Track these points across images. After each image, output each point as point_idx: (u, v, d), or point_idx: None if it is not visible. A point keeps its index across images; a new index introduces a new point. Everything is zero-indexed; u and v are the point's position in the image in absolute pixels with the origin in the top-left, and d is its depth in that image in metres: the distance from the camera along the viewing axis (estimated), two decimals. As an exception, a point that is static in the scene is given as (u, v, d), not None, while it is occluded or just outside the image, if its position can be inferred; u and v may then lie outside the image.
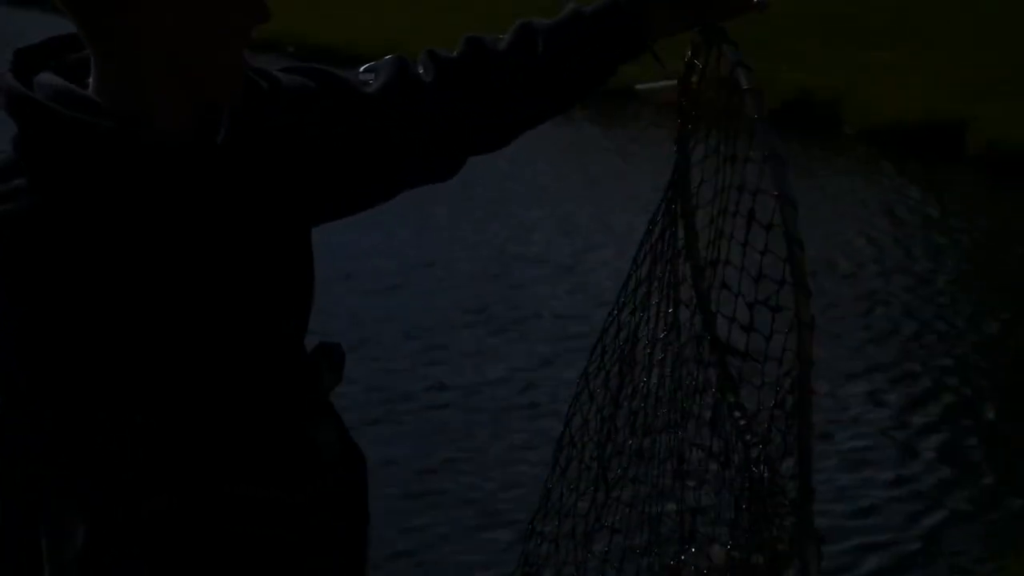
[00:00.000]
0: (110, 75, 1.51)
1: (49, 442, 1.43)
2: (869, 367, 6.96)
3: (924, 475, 5.84)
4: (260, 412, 1.57)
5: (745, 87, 1.72)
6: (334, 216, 1.77)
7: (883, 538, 5.29)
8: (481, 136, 1.85)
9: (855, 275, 8.45)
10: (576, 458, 1.97)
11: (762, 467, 1.84)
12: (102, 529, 1.45)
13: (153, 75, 1.50)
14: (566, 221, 9.70)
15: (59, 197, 1.46)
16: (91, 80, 1.53)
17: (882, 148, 11.65)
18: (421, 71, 1.80)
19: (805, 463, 1.71)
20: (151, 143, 1.49)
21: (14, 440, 1.44)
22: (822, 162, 11.11)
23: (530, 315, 7.68)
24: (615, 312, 1.99)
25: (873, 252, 9.03)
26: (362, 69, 1.81)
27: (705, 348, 1.98)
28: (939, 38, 14.14)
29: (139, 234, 1.48)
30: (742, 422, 1.92)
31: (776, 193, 1.64)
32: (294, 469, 1.59)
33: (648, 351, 2.00)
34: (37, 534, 1.43)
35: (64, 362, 1.45)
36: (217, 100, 1.56)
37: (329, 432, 1.67)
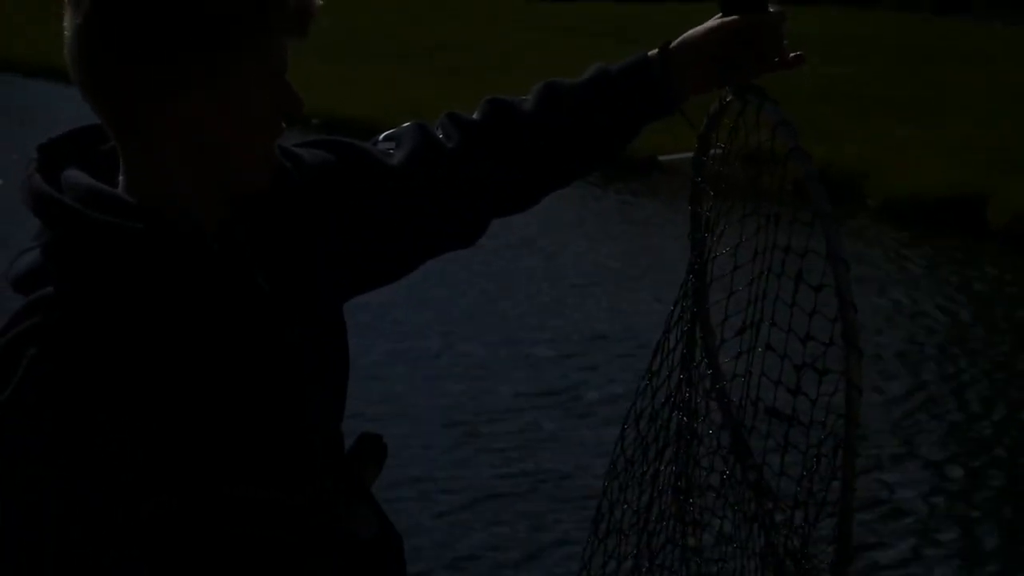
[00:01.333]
0: (141, 170, 1.50)
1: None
2: (912, 449, 6.82)
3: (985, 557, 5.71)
4: (305, 502, 1.56)
5: (792, 145, 1.69)
6: (364, 289, 1.76)
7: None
8: (506, 198, 1.84)
9: (887, 351, 8.32)
10: (615, 528, 1.92)
11: (788, 534, 1.80)
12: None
13: (186, 169, 1.49)
14: (632, 299, 9.46)
15: (91, 305, 1.44)
16: (120, 176, 1.51)
17: (905, 222, 11.62)
18: (442, 136, 1.79)
19: (846, 525, 1.67)
20: (184, 242, 1.47)
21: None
22: (845, 235, 11.04)
23: (608, 396, 7.37)
24: (648, 377, 1.96)
25: (903, 326, 8.95)
26: (382, 137, 1.81)
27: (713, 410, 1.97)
28: (961, 112, 14.17)
29: (174, 335, 1.46)
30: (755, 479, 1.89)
31: (828, 253, 1.60)
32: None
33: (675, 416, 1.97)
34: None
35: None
36: (249, 191, 1.55)
37: (366, 518, 1.66)
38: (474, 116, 1.82)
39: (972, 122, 13.71)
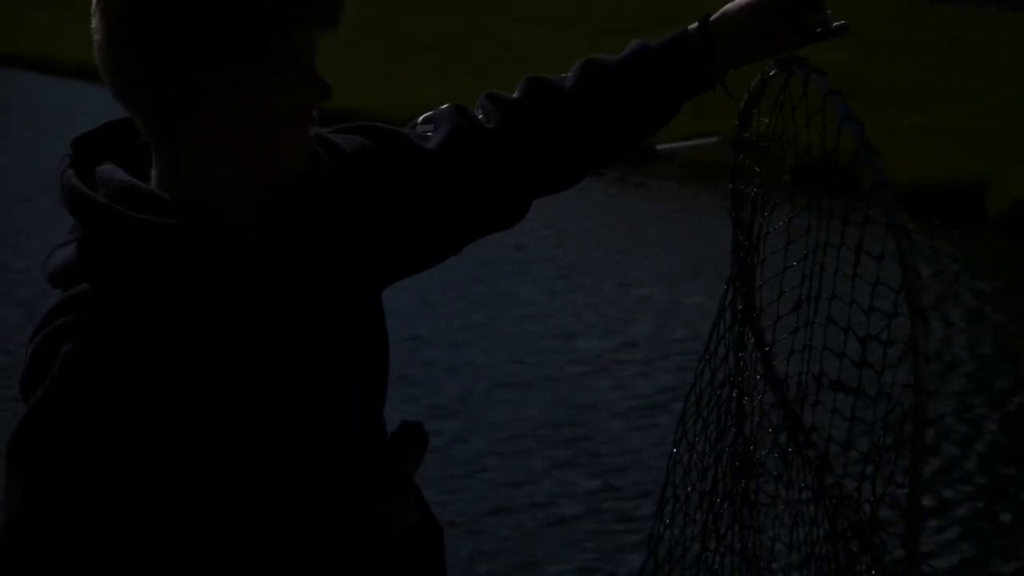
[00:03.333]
0: (175, 167, 1.49)
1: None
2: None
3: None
4: (338, 496, 1.55)
5: (844, 114, 1.67)
6: (404, 274, 1.74)
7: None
8: (547, 177, 1.82)
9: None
10: (680, 510, 1.90)
11: (855, 510, 1.78)
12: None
13: (221, 166, 1.48)
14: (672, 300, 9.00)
15: (125, 302, 1.43)
16: (153, 170, 1.50)
17: (904, 209, 11.56)
18: (482, 116, 1.77)
19: (915, 499, 1.65)
20: (217, 239, 1.45)
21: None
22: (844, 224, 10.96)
23: (656, 402, 6.97)
24: (707, 356, 1.94)
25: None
26: (420, 119, 1.79)
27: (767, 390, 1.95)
28: (960, 100, 14.14)
29: (207, 330, 1.45)
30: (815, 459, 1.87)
31: (887, 222, 1.59)
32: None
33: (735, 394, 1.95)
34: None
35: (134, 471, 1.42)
36: (284, 182, 1.53)
37: (406, 508, 1.64)
38: (514, 95, 1.80)
39: (971, 108, 13.69)
